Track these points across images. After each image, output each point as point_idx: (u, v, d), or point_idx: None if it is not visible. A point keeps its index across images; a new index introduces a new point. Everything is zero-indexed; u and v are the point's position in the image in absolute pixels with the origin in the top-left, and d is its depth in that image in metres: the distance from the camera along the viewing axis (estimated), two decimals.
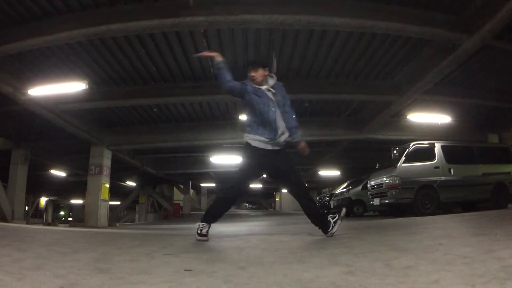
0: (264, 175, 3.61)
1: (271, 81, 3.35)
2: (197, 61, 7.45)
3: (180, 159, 17.20)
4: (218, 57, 3.24)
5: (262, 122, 3.19)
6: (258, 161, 3.21)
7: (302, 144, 3.28)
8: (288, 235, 3.28)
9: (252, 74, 3.27)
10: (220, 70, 3.22)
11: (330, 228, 3.15)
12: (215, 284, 1.39)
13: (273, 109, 3.19)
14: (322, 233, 3.20)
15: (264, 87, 3.29)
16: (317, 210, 3.39)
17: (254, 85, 3.28)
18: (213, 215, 3.23)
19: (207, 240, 3.12)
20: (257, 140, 3.18)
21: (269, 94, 3.27)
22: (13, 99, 7.74)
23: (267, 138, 3.16)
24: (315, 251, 2.28)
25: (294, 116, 3.31)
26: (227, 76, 3.21)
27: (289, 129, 3.22)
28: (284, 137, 3.22)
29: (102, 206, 11.56)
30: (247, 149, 3.27)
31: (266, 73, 3.33)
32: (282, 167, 3.24)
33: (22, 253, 2.29)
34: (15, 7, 5.50)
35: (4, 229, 5.09)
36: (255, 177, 3.42)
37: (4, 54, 6.27)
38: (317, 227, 3.23)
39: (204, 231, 3.15)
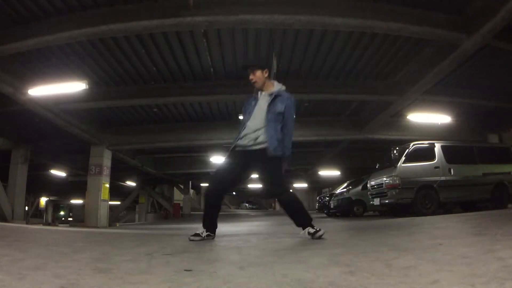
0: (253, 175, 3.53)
1: (275, 88, 3.23)
2: (197, 61, 7.45)
3: (180, 159, 17.21)
4: None
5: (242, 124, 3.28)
6: (231, 161, 3.21)
7: (284, 163, 3.13)
8: (288, 235, 3.28)
9: (251, 77, 3.24)
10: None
11: (315, 231, 2.98)
12: (215, 284, 1.39)
13: (253, 112, 3.18)
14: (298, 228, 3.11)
15: (264, 93, 3.24)
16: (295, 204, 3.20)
17: (256, 93, 3.27)
18: (208, 220, 3.22)
19: (200, 240, 3.10)
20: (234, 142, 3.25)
21: (264, 100, 3.18)
22: (13, 99, 7.75)
23: (236, 139, 3.20)
24: (315, 251, 2.28)
25: (289, 135, 3.13)
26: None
27: (283, 139, 3.11)
28: (250, 139, 3.10)
29: (102, 206, 11.57)
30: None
31: (266, 75, 3.24)
32: (260, 168, 3.18)
33: (22, 253, 2.29)
34: (15, 7, 5.51)
35: (4, 229, 5.09)
36: (233, 176, 3.26)
37: (4, 54, 6.28)
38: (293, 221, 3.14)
39: (199, 232, 3.15)
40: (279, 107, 3.13)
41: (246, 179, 3.54)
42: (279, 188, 3.15)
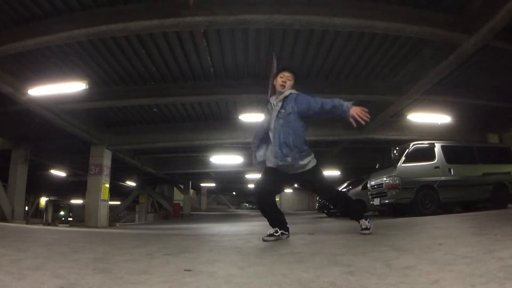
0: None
1: (286, 92, 3.17)
2: (197, 61, 7.45)
3: (180, 159, 17.20)
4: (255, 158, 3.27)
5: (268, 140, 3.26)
6: (269, 177, 3.20)
7: (352, 112, 2.93)
8: (285, 239, 3.27)
9: (284, 80, 3.19)
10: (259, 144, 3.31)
11: (365, 227, 3.24)
12: (215, 284, 1.39)
13: (273, 126, 3.13)
14: (357, 225, 3.34)
15: (276, 99, 3.23)
16: (342, 201, 3.50)
17: (273, 99, 3.27)
18: (272, 221, 3.22)
19: (274, 240, 3.06)
20: (269, 160, 3.22)
21: (278, 107, 3.16)
22: (13, 99, 7.75)
23: (274, 159, 3.13)
24: (315, 251, 2.28)
25: (328, 101, 2.99)
26: (258, 151, 3.31)
27: (331, 110, 2.98)
28: (291, 159, 3.03)
29: (102, 206, 11.55)
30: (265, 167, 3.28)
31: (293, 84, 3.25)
32: (309, 184, 3.36)
33: (22, 253, 2.29)
34: (15, 7, 5.50)
35: (4, 229, 5.09)
36: (277, 184, 3.24)
37: (4, 54, 6.27)
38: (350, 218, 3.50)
39: (272, 231, 3.13)
40: (288, 108, 3.08)
41: (288, 185, 3.56)
42: (327, 194, 3.48)
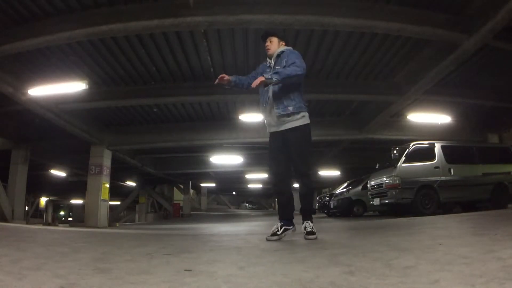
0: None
1: (278, 50, 3.19)
2: (197, 61, 7.45)
3: (180, 159, 17.21)
4: (226, 79, 3.16)
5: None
6: (272, 145, 3.22)
7: (263, 80, 2.92)
8: (288, 235, 3.27)
9: (267, 44, 3.26)
10: (235, 83, 3.23)
11: (311, 231, 3.07)
12: (215, 284, 1.39)
13: (265, 88, 3.12)
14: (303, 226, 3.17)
15: (269, 61, 3.25)
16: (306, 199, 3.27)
17: (266, 62, 3.27)
18: (282, 211, 3.23)
19: (277, 239, 3.03)
20: (268, 123, 3.25)
21: (273, 64, 3.19)
22: (13, 99, 7.75)
23: (276, 109, 3.12)
24: (315, 251, 2.28)
25: (290, 69, 2.94)
26: (243, 81, 3.25)
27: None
28: (292, 108, 3.04)
29: (102, 206, 11.55)
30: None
31: (283, 44, 3.26)
32: (289, 148, 3.13)
33: (22, 253, 2.29)
34: (15, 7, 5.50)
35: (4, 229, 5.10)
36: (284, 159, 3.18)
37: (4, 54, 6.27)
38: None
39: (274, 230, 3.12)
40: (283, 63, 3.08)
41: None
42: (302, 169, 3.15)
